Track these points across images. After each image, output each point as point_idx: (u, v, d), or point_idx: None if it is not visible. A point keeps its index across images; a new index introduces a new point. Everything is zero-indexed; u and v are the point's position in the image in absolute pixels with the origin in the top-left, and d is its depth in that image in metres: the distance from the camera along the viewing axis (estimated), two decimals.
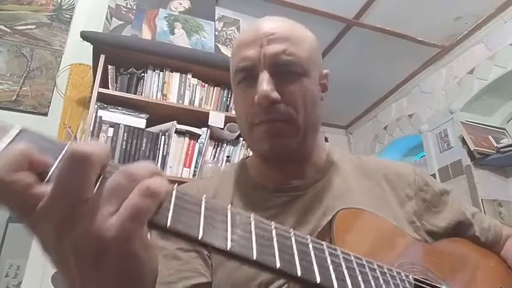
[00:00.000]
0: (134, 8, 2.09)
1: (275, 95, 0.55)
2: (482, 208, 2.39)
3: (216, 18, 2.27)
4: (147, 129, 1.78)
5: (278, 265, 0.31)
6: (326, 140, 4.50)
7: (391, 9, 2.56)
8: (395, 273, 0.43)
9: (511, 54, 2.45)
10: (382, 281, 0.40)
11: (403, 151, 3.52)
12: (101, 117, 1.71)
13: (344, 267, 0.36)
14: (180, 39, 2.05)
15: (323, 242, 0.37)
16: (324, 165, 0.67)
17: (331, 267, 0.35)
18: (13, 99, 2.02)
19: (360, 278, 0.37)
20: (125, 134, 1.72)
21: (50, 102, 2.08)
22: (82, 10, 2.33)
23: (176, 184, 0.33)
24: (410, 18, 2.64)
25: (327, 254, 0.36)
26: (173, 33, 2.06)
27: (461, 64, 2.83)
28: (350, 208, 0.53)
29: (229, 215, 0.33)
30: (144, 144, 1.74)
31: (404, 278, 0.44)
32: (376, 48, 2.90)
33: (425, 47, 2.90)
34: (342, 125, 4.12)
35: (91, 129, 1.68)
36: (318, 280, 0.33)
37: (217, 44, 2.17)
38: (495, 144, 2.41)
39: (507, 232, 0.73)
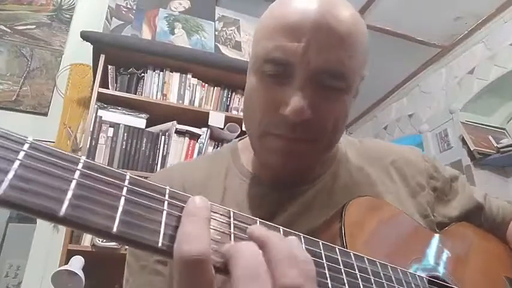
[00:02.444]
0: (134, 8, 2.09)
1: (309, 113, 0.45)
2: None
3: (216, 18, 2.27)
4: (147, 129, 1.78)
5: None
6: None
7: (391, 9, 2.56)
8: (410, 279, 0.42)
9: (511, 54, 2.45)
10: None
11: None
12: (101, 117, 1.71)
13: (359, 277, 0.36)
14: (180, 39, 2.05)
15: (336, 247, 0.36)
16: (329, 157, 0.59)
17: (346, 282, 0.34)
18: (13, 99, 2.02)
19: None
20: (125, 134, 1.72)
21: (50, 102, 2.08)
22: (82, 10, 2.34)
23: None
24: (410, 18, 2.64)
25: (341, 264, 0.35)
26: (173, 33, 2.06)
27: (461, 64, 2.82)
28: (359, 197, 0.49)
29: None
30: (144, 144, 1.74)
31: (419, 283, 0.43)
32: (376, 48, 2.90)
33: (425, 47, 2.90)
34: None
35: (91, 129, 1.68)
36: None
37: (217, 44, 2.17)
38: (495, 144, 2.41)
39: None
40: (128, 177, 0.27)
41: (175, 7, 2.20)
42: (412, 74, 3.21)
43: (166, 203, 0.27)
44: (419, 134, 3.06)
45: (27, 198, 0.22)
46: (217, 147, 1.88)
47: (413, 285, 0.41)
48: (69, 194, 0.23)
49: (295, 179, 0.55)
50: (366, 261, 0.38)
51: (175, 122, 1.80)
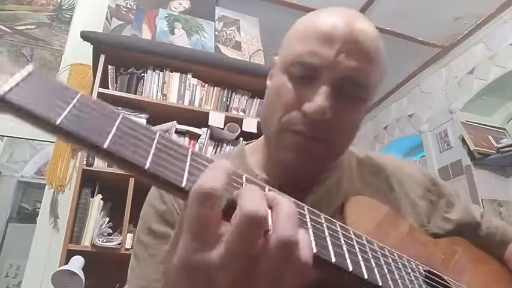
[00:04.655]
0: (134, 8, 2.09)
1: (329, 114, 0.48)
2: (482, 208, 2.39)
3: (216, 18, 2.27)
4: None
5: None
6: None
7: (391, 9, 2.56)
8: (406, 262, 0.43)
9: (511, 54, 2.45)
10: (394, 268, 0.40)
11: (403, 151, 3.52)
12: None
13: (357, 248, 0.36)
14: (180, 39, 2.05)
15: (336, 221, 0.37)
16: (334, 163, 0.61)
17: (344, 248, 0.35)
18: None
19: (372, 262, 0.37)
20: None
21: None
22: (82, 10, 2.34)
23: None
24: (410, 18, 2.64)
25: (340, 234, 0.36)
26: (173, 33, 2.06)
27: (461, 64, 2.83)
28: (360, 196, 0.52)
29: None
30: None
31: (415, 267, 0.44)
32: None
33: (425, 47, 2.90)
34: None
35: None
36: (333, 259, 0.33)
37: (217, 44, 2.17)
38: (495, 144, 2.41)
39: None
40: (158, 132, 0.31)
41: (175, 7, 2.20)
42: (412, 74, 3.21)
43: (190, 155, 0.31)
44: (419, 134, 3.06)
45: (81, 127, 0.27)
46: (217, 147, 1.88)
47: (409, 268, 0.42)
48: (113, 131, 0.28)
49: (302, 181, 0.56)
50: (364, 239, 0.39)
51: (175, 122, 1.80)
